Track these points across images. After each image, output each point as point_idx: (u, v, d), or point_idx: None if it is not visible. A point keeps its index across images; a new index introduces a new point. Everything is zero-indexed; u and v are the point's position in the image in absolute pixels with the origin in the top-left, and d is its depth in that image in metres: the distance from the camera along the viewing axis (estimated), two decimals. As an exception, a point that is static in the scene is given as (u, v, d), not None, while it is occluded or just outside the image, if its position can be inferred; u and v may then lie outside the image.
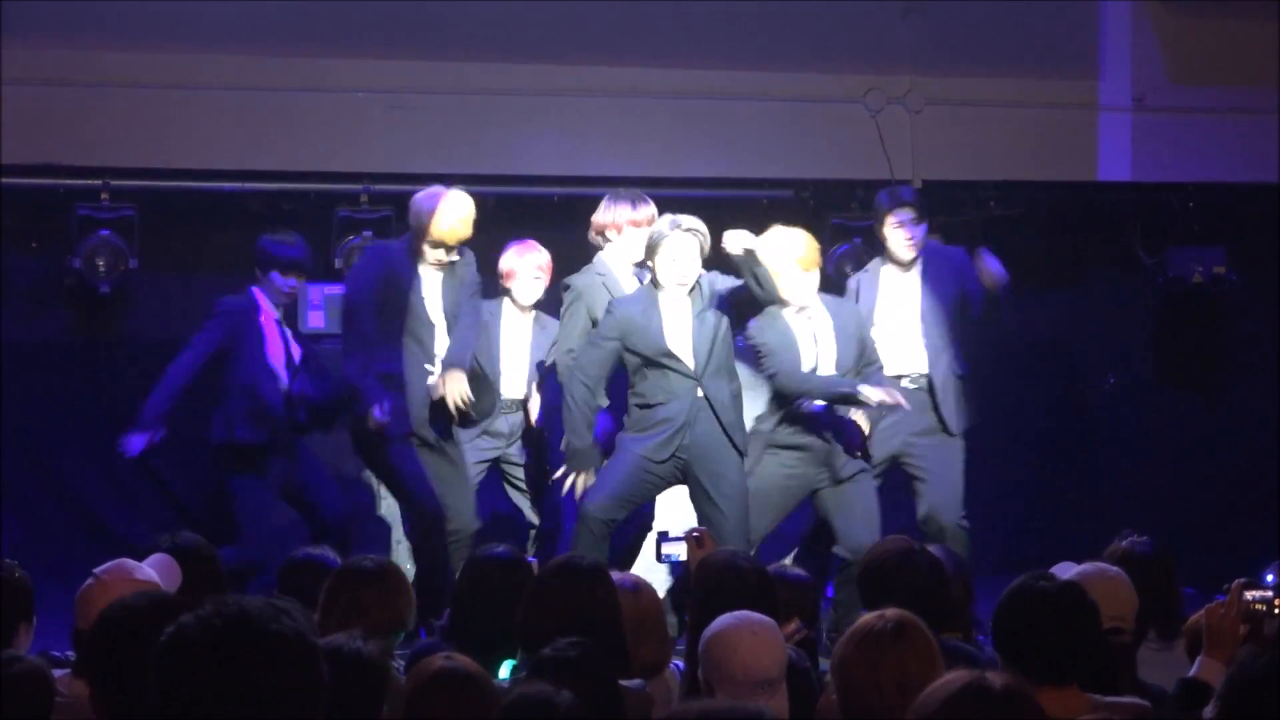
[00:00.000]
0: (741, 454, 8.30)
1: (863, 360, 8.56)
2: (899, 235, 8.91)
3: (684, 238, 8.18)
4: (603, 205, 8.72)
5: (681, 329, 8.25)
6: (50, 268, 9.81)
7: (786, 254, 8.41)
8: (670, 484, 8.37)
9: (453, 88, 10.30)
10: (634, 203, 8.70)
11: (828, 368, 8.49)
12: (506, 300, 9.18)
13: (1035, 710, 3.43)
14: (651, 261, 8.23)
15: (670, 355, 8.22)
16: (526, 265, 9.08)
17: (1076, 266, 10.82)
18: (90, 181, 9.93)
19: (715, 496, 8.22)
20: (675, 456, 8.24)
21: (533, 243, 9.13)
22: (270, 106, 10.16)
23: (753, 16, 10.44)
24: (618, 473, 8.24)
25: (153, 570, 5.36)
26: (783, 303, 8.42)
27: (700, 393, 8.22)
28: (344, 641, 4.26)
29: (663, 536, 6.90)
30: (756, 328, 8.46)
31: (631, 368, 8.29)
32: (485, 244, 9.48)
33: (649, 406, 8.25)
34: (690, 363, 8.23)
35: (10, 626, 5.16)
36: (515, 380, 9.23)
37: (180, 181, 10.12)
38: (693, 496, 8.35)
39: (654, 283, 8.25)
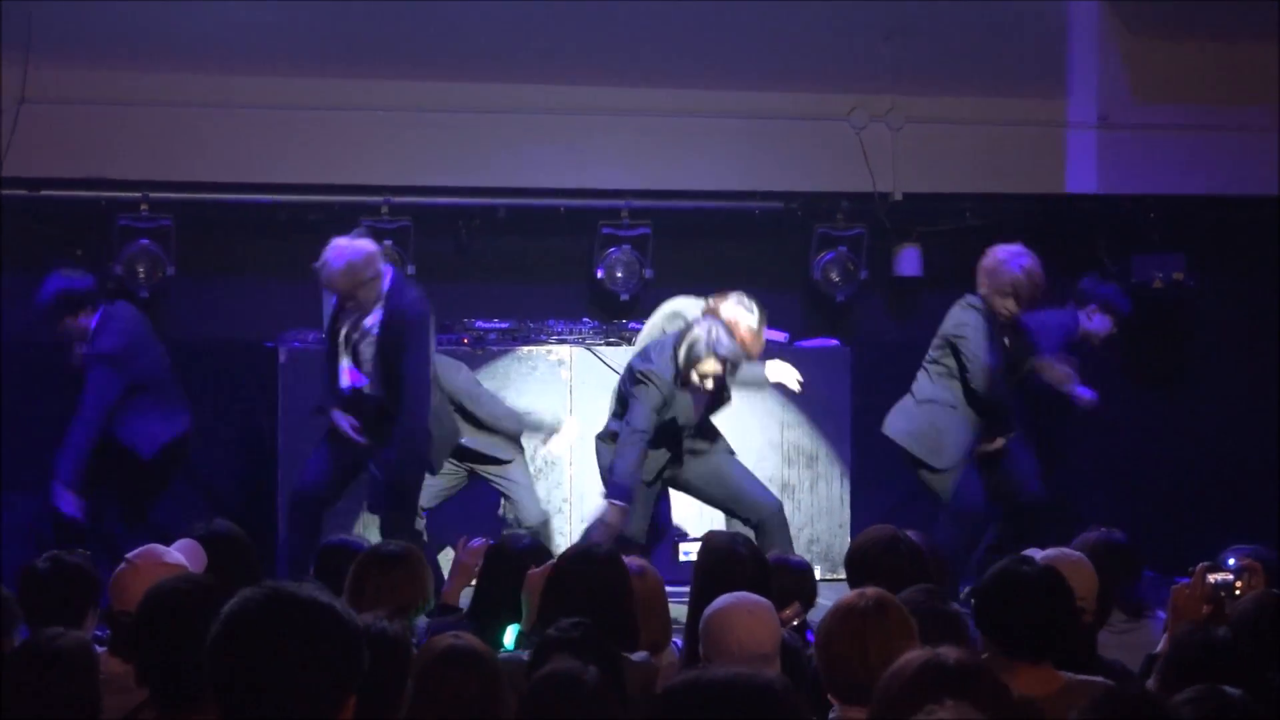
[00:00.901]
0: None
1: None
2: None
3: (716, 365, 8.25)
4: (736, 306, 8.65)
5: (694, 409, 8.45)
6: (94, 274, 9.80)
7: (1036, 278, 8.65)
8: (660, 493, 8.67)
9: (466, 106, 10.29)
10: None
11: None
12: None
13: (989, 680, 3.42)
14: (685, 369, 8.27)
15: (678, 427, 8.45)
16: None
17: (1046, 272, 10.78)
18: (130, 194, 9.93)
19: (703, 468, 8.47)
20: (660, 478, 8.48)
21: None
22: (297, 124, 10.16)
23: (746, 41, 10.43)
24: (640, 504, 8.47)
25: (180, 554, 5.36)
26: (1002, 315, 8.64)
27: (684, 445, 8.47)
28: (371, 621, 4.26)
29: (680, 538, 6.89)
30: (976, 342, 8.56)
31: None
32: (495, 251, 9.51)
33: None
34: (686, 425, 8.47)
35: (80, 610, 5.16)
36: None
37: (214, 194, 10.11)
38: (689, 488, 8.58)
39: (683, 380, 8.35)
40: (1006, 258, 8.78)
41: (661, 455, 8.47)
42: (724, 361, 8.24)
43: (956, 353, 8.72)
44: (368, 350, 8.44)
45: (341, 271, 8.28)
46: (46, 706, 3.96)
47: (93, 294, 8.94)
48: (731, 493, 8.55)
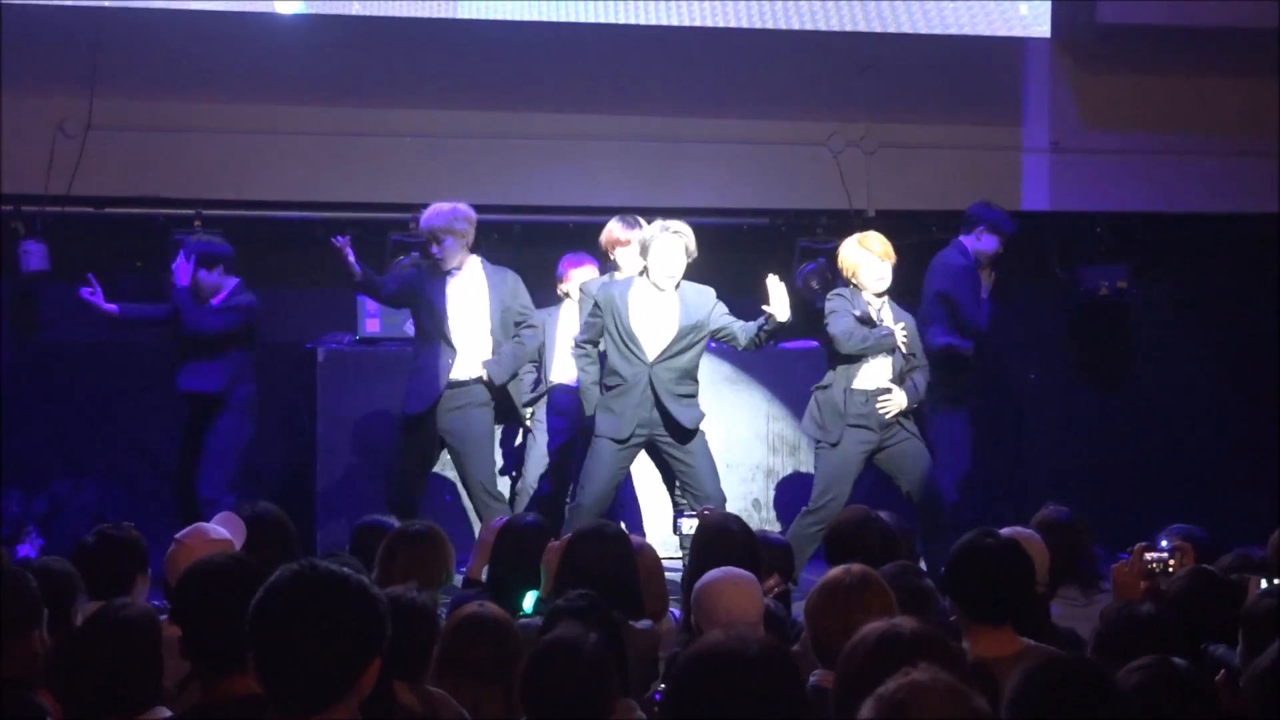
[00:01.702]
0: (685, 438, 8.09)
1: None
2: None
3: (671, 239, 8.08)
4: (606, 228, 8.77)
5: (652, 318, 8.09)
6: (152, 283, 9.84)
7: (871, 247, 8.30)
8: (635, 456, 8.24)
9: (484, 133, 10.32)
10: (625, 224, 8.70)
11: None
12: (565, 301, 9.28)
13: (944, 646, 3.43)
14: (644, 260, 8.15)
15: (633, 338, 8.06)
16: (584, 271, 9.21)
17: (1003, 281, 10.82)
18: (184, 211, 9.95)
19: (679, 453, 8.07)
20: (634, 436, 8.06)
21: (585, 255, 9.32)
22: (335, 148, 10.19)
23: (735, 74, 10.47)
24: (599, 471, 8.07)
25: (223, 529, 5.38)
26: (867, 290, 8.29)
27: (650, 381, 8.02)
28: (402, 592, 4.30)
29: (679, 512, 6.85)
30: (838, 304, 8.27)
31: (604, 347, 8.16)
32: (508, 261, 9.51)
33: (610, 389, 8.10)
34: (649, 351, 8.07)
35: (129, 578, 5.18)
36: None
37: (260, 211, 10.15)
38: (662, 458, 8.25)
39: (645, 275, 8.16)
40: (848, 244, 8.49)
41: (637, 410, 8.03)
42: (676, 234, 8.04)
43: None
44: (478, 319, 8.61)
45: (436, 214, 8.59)
46: (117, 668, 4.00)
47: (228, 258, 9.00)
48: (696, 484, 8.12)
